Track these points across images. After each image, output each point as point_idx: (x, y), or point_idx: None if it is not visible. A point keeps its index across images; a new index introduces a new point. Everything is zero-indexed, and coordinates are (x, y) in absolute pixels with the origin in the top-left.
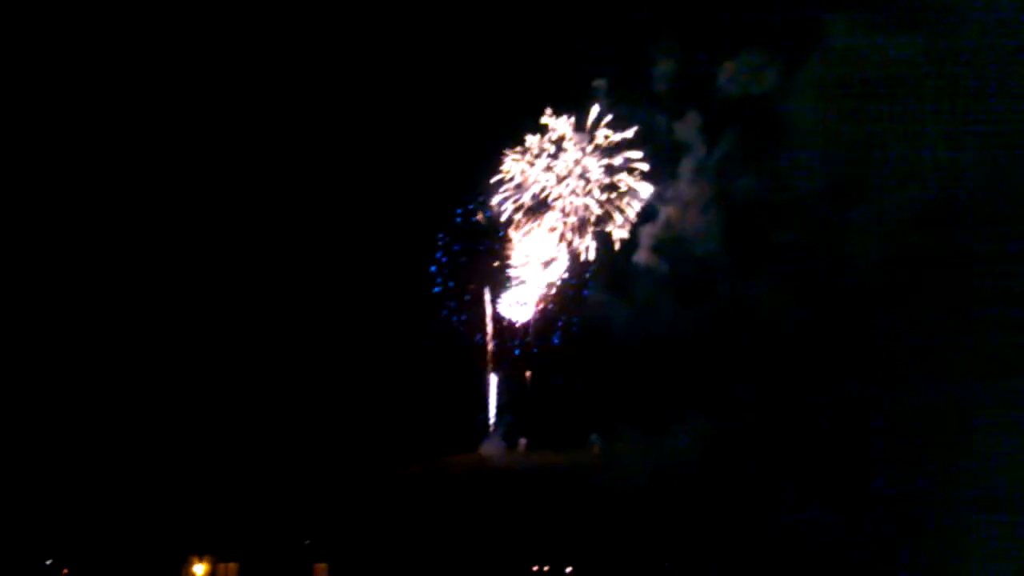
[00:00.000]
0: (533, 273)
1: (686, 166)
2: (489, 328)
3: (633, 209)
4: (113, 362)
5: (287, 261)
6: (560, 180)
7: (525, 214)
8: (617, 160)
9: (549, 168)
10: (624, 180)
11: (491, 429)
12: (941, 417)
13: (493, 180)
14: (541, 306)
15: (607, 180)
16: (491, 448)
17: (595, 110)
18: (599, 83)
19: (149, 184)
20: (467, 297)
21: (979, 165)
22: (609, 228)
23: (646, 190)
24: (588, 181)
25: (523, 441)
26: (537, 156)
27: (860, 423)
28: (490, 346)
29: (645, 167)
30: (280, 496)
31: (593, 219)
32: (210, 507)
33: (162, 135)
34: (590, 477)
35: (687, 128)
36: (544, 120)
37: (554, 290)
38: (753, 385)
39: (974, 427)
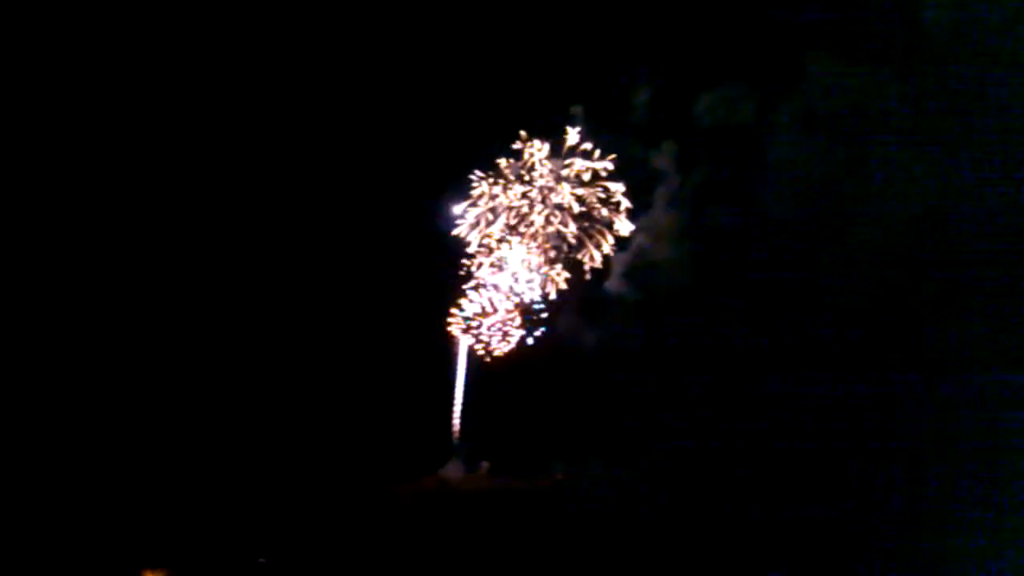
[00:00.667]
0: (502, 297)
1: (661, 195)
2: (460, 351)
3: (608, 240)
4: (66, 369)
5: (247, 279)
6: (533, 207)
7: (497, 241)
8: (593, 188)
9: (524, 195)
10: (599, 210)
11: (453, 452)
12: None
13: (464, 205)
14: (509, 330)
15: (582, 209)
16: (452, 471)
17: (571, 137)
18: (576, 109)
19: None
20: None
21: (959, 197)
22: (582, 256)
23: (625, 226)
24: (562, 209)
25: (485, 465)
26: (510, 182)
27: (837, 452)
28: (458, 368)
29: (627, 204)
30: (237, 512)
31: (566, 248)
32: (165, 521)
33: (123, 140)
34: (552, 504)
35: (663, 157)
36: (518, 145)
37: (524, 314)
38: (725, 413)
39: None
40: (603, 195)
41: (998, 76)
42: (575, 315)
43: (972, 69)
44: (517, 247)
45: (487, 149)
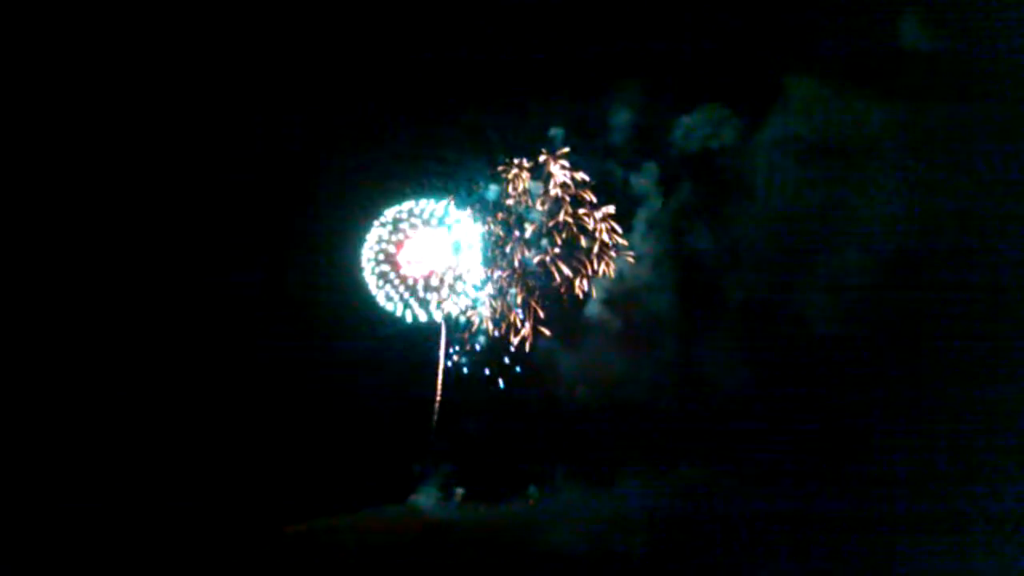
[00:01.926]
0: (482, 321)
1: (642, 218)
2: (439, 376)
3: (588, 273)
4: None
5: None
6: (512, 235)
7: (478, 265)
8: (576, 216)
9: (503, 222)
10: (580, 239)
11: (425, 477)
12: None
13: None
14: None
15: (562, 237)
16: (423, 499)
17: (551, 163)
18: (555, 132)
19: None
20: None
21: (940, 224)
22: (559, 284)
23: (611, 268)
24: (542, 237)
25: (459, 491)
26: (491, 209)
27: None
28: (436, 393)
29: (610, 237)
30: (190, 545)
31: (545, 277)
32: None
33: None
34: (529, 533)
35: (644, 180)
36: (498, 171)
37: (504, 339)
38: (701, 440)
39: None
40: (586, 225)
41: (982, 101)
42: (553, 342)
43: (955, 94)
44: (495, 277)
45: (465, 175)
